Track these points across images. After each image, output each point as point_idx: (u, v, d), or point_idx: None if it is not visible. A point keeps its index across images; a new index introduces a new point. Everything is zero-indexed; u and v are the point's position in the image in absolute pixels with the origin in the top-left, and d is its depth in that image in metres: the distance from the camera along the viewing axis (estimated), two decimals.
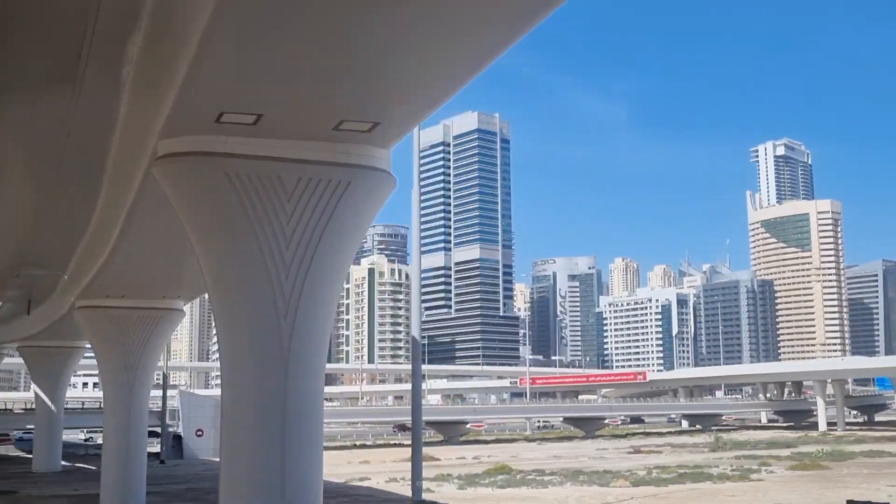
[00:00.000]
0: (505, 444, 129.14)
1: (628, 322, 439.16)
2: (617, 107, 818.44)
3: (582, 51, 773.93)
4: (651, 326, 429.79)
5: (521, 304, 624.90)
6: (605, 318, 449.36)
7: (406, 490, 52.90)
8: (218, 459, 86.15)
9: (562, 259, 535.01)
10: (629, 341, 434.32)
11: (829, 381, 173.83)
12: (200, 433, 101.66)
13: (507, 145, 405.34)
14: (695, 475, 70.23)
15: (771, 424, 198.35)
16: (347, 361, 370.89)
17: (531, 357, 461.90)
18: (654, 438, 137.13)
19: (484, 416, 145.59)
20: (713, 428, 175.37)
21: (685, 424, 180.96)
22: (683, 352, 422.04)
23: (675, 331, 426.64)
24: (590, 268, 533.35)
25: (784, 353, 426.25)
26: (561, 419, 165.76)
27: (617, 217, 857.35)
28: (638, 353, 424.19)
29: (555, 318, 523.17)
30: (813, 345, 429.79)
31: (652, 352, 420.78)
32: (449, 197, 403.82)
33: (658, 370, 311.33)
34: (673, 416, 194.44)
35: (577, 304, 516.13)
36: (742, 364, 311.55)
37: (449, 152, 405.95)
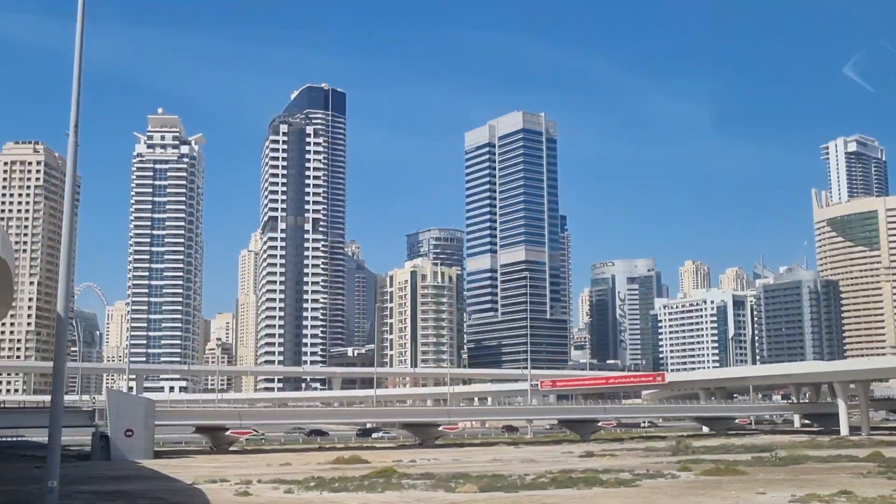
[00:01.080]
0: (475, 448, 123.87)
1: (683, 324, 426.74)
2: (692, 108, 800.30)
3: (658, 53, 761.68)
4: (706, 329, 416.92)
5: (578, 307, 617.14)
6: (660, 321, 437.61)
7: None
8: (150, 461, 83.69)
9: (620, 261, 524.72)
10: (684, 344, 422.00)
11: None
12: (130, 433, 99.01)
13: (553, 145, 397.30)
14: (586, 479, 64.55)
15: (800, 429, 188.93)
16: (391, 365, 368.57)
17: (584, 361, 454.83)
18: (633, 443, 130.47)
19: (458, 418, 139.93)
20: (729, 431, 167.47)
21: (706, 429, 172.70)
22: (741, 354, 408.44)
23: (730, 333, 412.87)
24: (649, 270, 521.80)
25: (850, 355, 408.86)
26: (556, 422, 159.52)
27: (688, 219, 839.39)
28: (693, 355, 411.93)
29: (614, 322, 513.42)
30: (882, 346, 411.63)
31: (707, 354, 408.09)
32: (495, 198, 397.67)
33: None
34: (690, 418, 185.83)
35: (637, 306, 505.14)
36: (768, 364, 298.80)
37: (494, 153, 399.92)
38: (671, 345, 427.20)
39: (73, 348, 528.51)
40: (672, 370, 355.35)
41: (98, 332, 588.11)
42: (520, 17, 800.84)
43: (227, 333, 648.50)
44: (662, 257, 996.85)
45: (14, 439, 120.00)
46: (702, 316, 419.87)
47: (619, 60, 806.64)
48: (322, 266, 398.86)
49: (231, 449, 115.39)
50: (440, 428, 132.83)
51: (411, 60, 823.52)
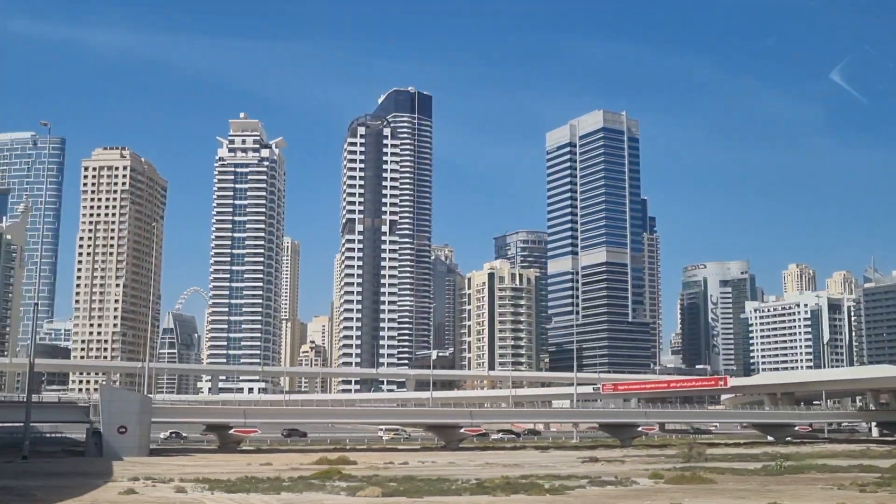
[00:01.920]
0: (497, 452, 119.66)
1: (775, 329, 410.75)
2: (802, 109, 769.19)
3: (764, 54, 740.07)
4: (800, 333, 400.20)
5: (674, 311, 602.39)
6: (751, 325, 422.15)
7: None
8: (136, 459, 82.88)
9: (713, 264, 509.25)
10: (776, 349, 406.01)
11: None
12: (123, 430, 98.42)
13: (635, 144, 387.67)
14: (524, 485, 60.57)
15: (876, 438, 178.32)
16: (470, 368, 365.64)
17: (672, 366, 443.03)
18: (657, 449, 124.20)
19: (481, 420, 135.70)
20: (787, 439, 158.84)
21: (770, 438, 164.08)
22: (837, 359, 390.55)
23: (825, 337, 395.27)
24: (742, 272, 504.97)
25: None
26: (596, 426, 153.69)
27: (791, 221, 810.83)
28: (785, 359, 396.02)
29: (706, 325, 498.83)
30: None
31: (800, 359, 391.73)
32: (576, 199, 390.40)
33: None
34: (750, 425, 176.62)
35: (730, 310, 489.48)
36: (836, 369, 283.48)
37: (575, 153, 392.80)
38: (763, 349, 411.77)
39: (171, 350, 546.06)
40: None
41: (196, 335, 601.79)
42: (612, 21, 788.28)
43: (323, 337, 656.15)
44: (760, 260, 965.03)
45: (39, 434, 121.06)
46: (795, 320, 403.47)
47: (717, 62, 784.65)
48: (403, 268, 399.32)
49: (242, 448, 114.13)
50: (461, 430, 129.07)
51: (494, 63, 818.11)
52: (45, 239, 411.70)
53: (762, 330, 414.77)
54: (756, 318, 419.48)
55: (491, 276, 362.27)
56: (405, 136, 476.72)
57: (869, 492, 59.40)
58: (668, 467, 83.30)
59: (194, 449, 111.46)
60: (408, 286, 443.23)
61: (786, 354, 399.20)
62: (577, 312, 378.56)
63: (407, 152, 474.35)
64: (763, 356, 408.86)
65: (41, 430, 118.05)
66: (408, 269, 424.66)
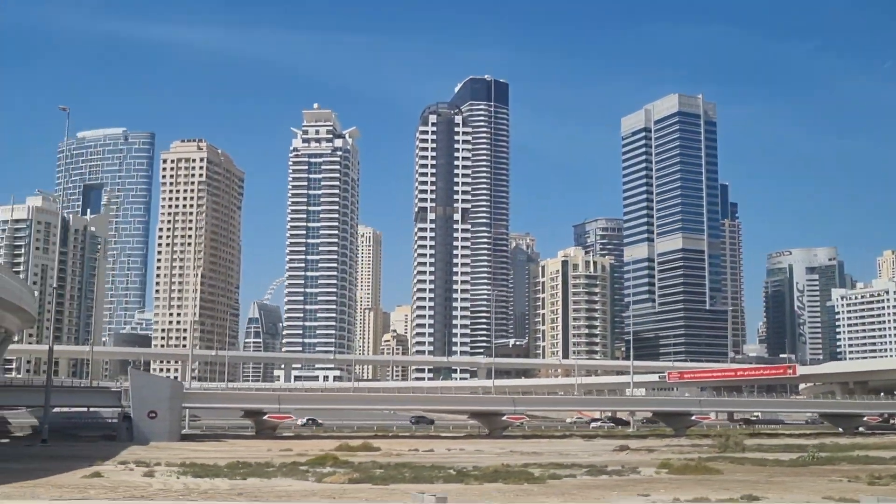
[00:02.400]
0: (538, 441, 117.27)
1: (863, 316, 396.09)
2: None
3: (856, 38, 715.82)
4: (889, 320, 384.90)
5: (759, 298, 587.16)
6: (838, 313, 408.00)
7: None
8: (177, 443, 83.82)
9: (799, 251, 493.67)
10: (863, 336, 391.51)
11: None
12: (153, 415, 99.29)
13: (712, 128, 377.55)
14: (513, 473, 58.57)
15: None
16: (544, 356, 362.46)
17: (754, 355, 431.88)
18: (706, 439, 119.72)
19: (525, 407, 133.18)
20: (860, 429, 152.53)
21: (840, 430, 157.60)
22: None
23: None
24: (830, 259, 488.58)
25: None
26: (650, 414, 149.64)
27: (887, 208, 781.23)
28: (874, 348, 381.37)
29: (791, 313, 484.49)
30: None
31: (890, 347, 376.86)
32: (651, 184, 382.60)
33: None
34: (811, 415, 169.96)
35: (817, 298, 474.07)
36: None
37: (650, 138, 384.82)
38: (850, 338, 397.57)
39: (256, 339, 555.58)
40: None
41: (281, 324, 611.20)
42: (692, 4, 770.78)
43: (405, 326, 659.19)
44: (852, 247, 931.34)
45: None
46: (884, 307, 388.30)
47: (801, 45, 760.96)
48: (478, 256, 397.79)
49: (282, 434, 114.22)
50: (504, 418, 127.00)
51: (570, 49, 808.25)
52: (135, 231, 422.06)
53: (849, 318, 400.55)
54: (843, 305, 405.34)
55: (564, 263, 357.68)
56: (481, 124, 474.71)
57: (881, 484, 55.72)
58: (693, 457, 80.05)
59: (231, 435, 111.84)
60: (483, 275, 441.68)
61: (874, 343, 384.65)
62: (654, 300, 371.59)
63: (483, 141, 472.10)
64: (850, 345, 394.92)
65: (103, 414, 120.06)
66: (484, 257, 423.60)
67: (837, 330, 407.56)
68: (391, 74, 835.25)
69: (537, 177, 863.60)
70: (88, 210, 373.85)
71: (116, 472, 56.33)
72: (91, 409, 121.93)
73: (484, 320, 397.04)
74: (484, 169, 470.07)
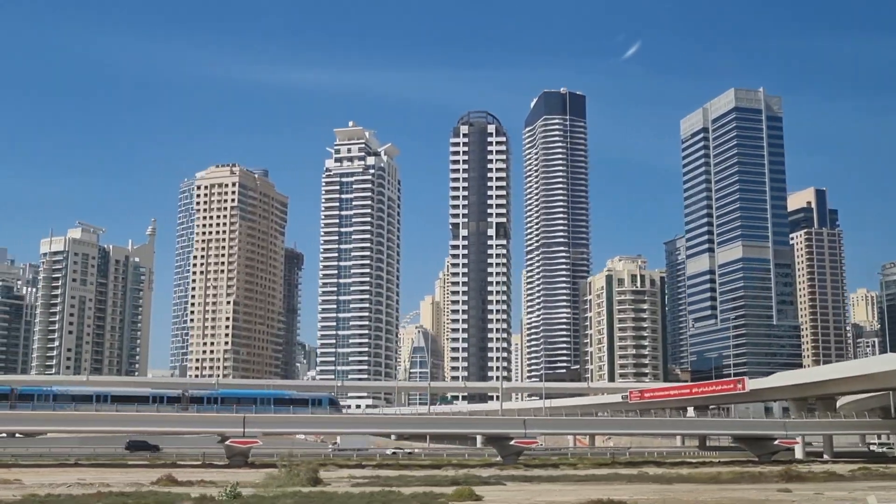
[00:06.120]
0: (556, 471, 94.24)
1: None
2: None
3: None
4: None
5: (863, 314, 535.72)
6: None
7: None
8: None
9: None
10: None
11: None
12: None
13: (777, 123, 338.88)
14: None
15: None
16: (592, 380, 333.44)
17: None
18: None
19: (537, 430, 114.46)
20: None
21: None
22: None
23: None
24: None
25: None
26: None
27: None
28: None
29: None
30: None
31: None
32: (710, 190, 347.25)
33: None
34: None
35: None
36: (855, 361, 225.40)
37: (709, 139, 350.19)
38: None
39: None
40: None
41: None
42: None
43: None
44: None
45: None
46: None
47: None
48: (556, 279, 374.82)
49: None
50: (512, 442, 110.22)
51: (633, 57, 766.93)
52: (179, 260, 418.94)
53: None
54: None
55: (609, 278, 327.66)
56: (557, 138, 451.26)
57: None
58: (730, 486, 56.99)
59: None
60: (562, 298, 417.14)
61: None
62: (717, 317, 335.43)
63: (559, 154, 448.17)
64: None
65: None
66: (562, 279, 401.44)
67: None
68: (475, 91, 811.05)
69: (617, 191, 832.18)
70: (131, 240, 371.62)
71: None
72: None
73: (537, 343, 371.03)
74: (560, 185, 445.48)
